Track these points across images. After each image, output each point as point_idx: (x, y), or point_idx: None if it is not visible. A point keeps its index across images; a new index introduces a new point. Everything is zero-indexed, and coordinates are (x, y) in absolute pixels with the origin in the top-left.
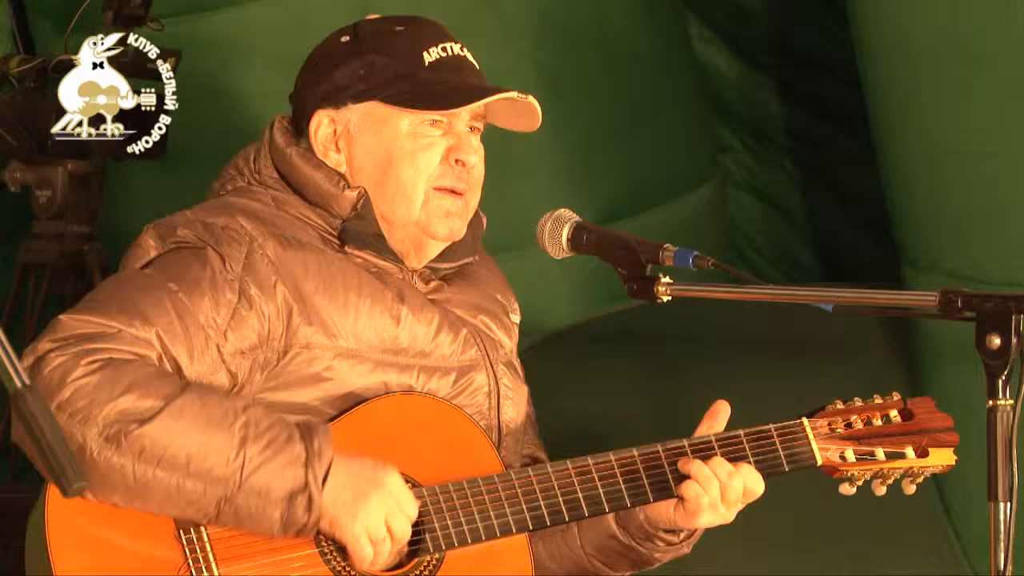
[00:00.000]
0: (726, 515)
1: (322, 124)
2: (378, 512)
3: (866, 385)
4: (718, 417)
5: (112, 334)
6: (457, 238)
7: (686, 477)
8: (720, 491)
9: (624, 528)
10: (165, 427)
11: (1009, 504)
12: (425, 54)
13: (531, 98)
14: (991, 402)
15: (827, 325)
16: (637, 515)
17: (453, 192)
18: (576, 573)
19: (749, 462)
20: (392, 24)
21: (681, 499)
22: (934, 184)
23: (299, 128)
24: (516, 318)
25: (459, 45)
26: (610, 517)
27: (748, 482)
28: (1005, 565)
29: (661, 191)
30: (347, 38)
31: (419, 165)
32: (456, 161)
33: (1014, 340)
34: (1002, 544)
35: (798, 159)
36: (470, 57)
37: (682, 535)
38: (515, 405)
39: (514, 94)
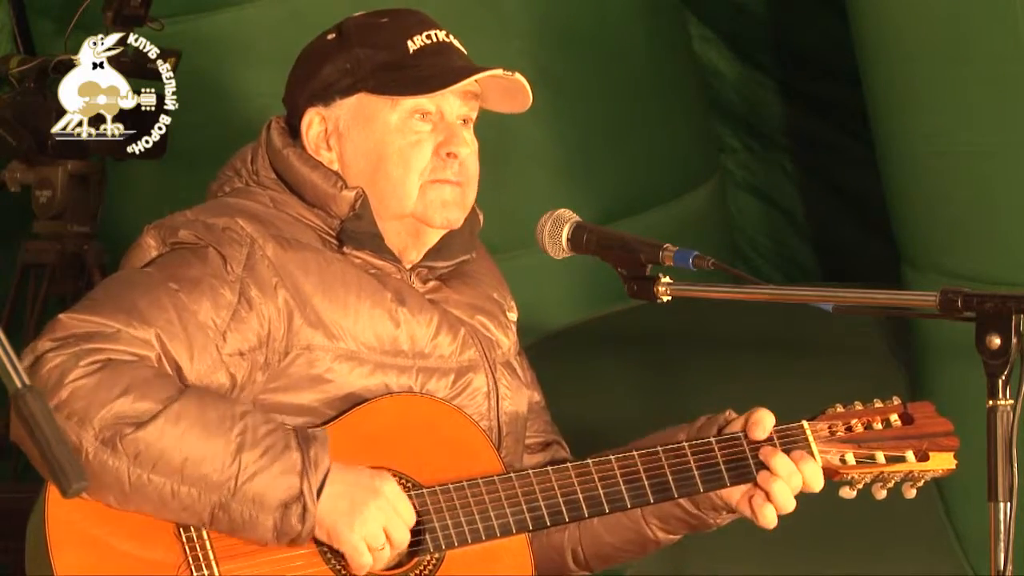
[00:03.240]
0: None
1: (313, 123)
2: (376, 520)
3: (866, 385)
4: (761, 424)
5: (111, 334)
6: (455, 227)
7: (688, 478)
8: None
9: (692, 500)
10: (161, 431)
11: (1009, 504)
12: (409, 42)
13: (518, 75)
14: (991, 402)
15: (827, 325)
16: (711, 495)
17: (449, 182)
18: (635, 540)
19: (749, 466)
20: (376, 17)
21: (751, 499)
22: (933, 184)
23: (293, 129)
24: (513, 316)
25: (444, 32)
26: None
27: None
28: (1005, 565)
29: (661, 191)
30: (333, 35)
31: (409, 162)
32: (448, 155)
33: (1014, 340)
34: (1002, 544)
35: (798, 159)
36: (456, 43)
37: None
38: (514, 405)
39: (499, 71)
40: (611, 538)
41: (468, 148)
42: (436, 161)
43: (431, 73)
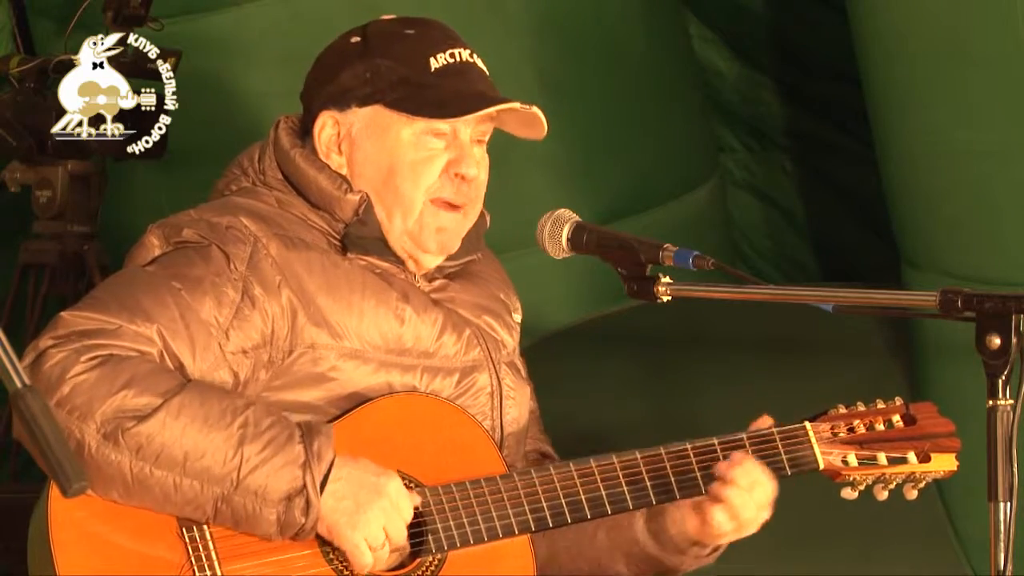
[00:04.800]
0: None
1: (326, 125)
2: (378, 521)
3: (866, 385)
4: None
5: (112, 330)
6: (449, 252)
7: (689, 480)
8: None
9: (656, 539)
10: (163, 424)
11: (1009, 504)
12: (432, 59)
13: (535, 108)
14: (991, 402)
15: (827, 325)
16: (669, 530)
17: (451, 206)
18: (596, 574)
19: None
20: (402, 27)
21: (705, 522)
22: (933, 184)
23: (306, 127)
24: (518, 316)
25: (468, 51)
26: (641, 528)
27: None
28: (1005, 565)
29: (661, 191)
30: (357, 39)
31: (419, 177)
32: (456, 175)
33: (1014, 340)
34: (1002, 544)
35: (798, 159)
36: (479, 63)
37: (708, 548)
38: (517, 405)
39: (517, 104)
40: (572, 565)
41: (477, 169)
42: (444, 180)
43: (450, 97)
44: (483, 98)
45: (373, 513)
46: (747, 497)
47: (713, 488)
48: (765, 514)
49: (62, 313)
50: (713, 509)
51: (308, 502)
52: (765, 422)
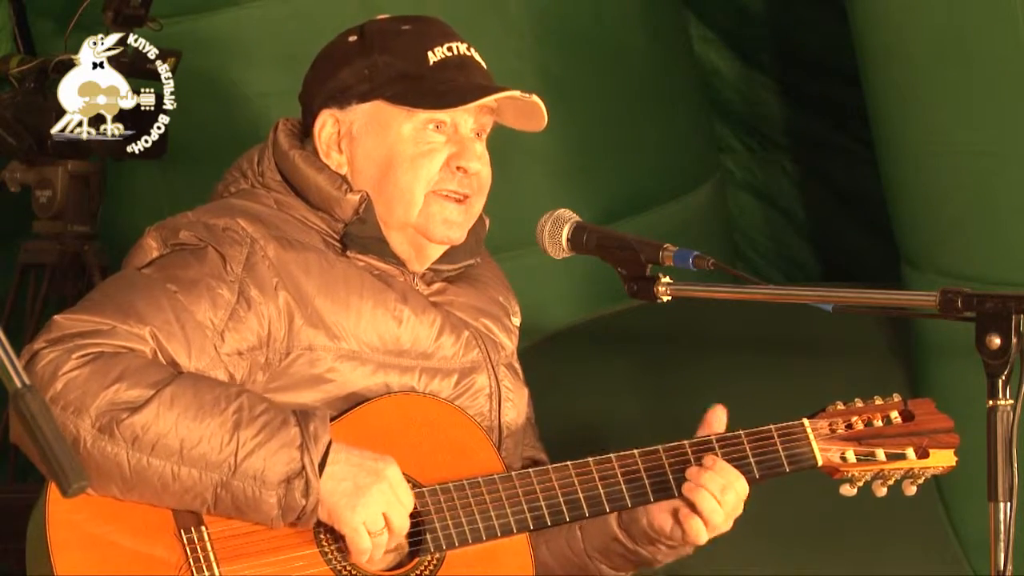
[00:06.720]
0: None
1: (326, 124)
2: (377, 504)
3: (866, 385)
4: (713, 426)
5: (106, 331)
6: (456, 243)
7: (687, 481)
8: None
9: (627, 532)
10: (156, 414)
11: (1009, 504)
12: (430, 53)
13: (535, 97)
14: (991, 402)
15: (827, 325)
16: (640, 521)
17: (456, 199)
18: (579, 574)
19: (750, 465)
20: (399, 24)
21: (680, 526)
22: (933, 184)
23: (306, 128)
24: (517, 320)
25: (465, 44)
26: (613, 520)
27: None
28: (1005, 565)
29: (661, 191)
30: (354, 38)
31: (419, 171)
32: (458, 168)
33: (1014, 340)
34: (1002, 544)
35: (798, 159)
36: (476, 56)
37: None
38: (516, 407)
39: (516, 93)
40: (555, 564)
41: (479, 163)
42: (445, 173)
43: (449, 88)
44: (483, 88)
45: (372, 496)
46: (717, 506)
47: (685, 490)
48: (737, 511)
49: (56, 317)
50: (690, 520)
51: (308, 483)
52: (718, 418)
